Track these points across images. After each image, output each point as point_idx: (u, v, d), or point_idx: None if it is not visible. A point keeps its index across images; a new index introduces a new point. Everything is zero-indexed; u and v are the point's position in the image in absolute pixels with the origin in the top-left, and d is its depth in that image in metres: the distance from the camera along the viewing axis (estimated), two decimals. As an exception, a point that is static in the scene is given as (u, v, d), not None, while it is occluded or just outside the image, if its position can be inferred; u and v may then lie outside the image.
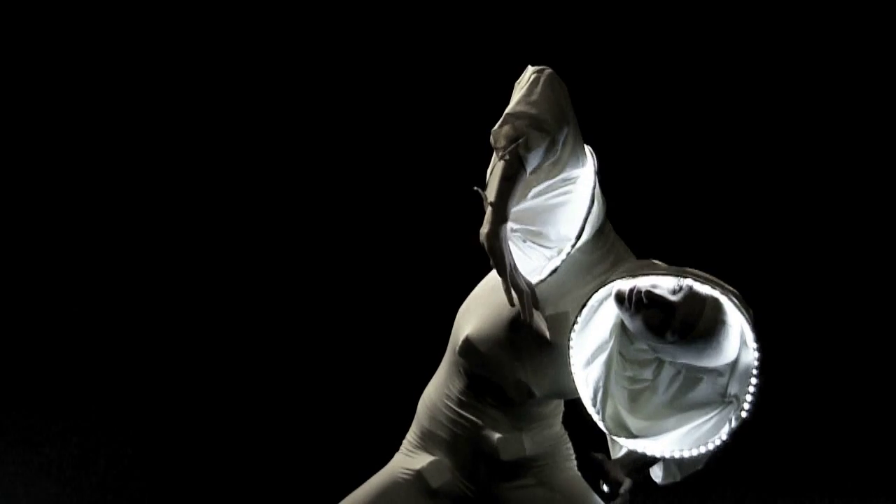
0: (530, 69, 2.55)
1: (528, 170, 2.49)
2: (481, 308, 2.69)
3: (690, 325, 2.47)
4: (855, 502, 4.92)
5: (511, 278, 2.47)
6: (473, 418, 2.71)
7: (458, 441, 2.72)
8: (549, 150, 2.50)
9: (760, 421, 5.25)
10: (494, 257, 2.46)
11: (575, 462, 2.77)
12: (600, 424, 2.56)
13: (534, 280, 2.57)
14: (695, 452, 2.56)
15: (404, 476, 2.75)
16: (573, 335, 2.55)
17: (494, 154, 2.52)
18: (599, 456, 2.58)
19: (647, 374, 2.59)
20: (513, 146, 2.47)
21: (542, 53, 2.72)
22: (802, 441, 5.22)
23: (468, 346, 2.67)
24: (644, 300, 2.47)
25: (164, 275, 5.38)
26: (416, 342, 2.92)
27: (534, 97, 2.51)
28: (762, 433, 5.28)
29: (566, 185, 2.57)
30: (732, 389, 2.57)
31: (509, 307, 2.57)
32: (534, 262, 2.59)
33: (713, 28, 5.28)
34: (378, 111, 5.37)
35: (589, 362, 2.56)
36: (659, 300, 2.48)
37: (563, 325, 2.59)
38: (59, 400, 5.22)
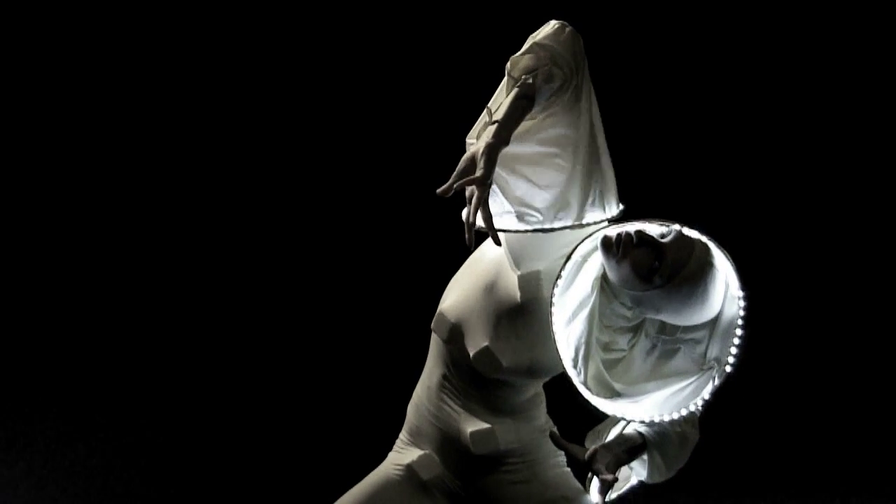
0: (553, 21, 2.53)
1: (537, 103, 2.47)
2: (456, 284, 2.69)
3: (680, 265, 2.46)
4: (855, 502, 4.91)
5: (485, 196, 2.38)
6: (452, 411, 2.70)
7: (441, 436, 2.73)
8: (556, 93, 2.48)
9: (760, 421, 5.26)
10: (486, 168, 2.37)
11: (564, 458, 2.74)
12: (582, 388, 2.51)
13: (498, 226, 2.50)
14: (676, 416, 2.53)
15: (396, 472, 2.76)
16: (556, 291, 2.51)
17: (506, 80, 2.49)
18: (594, 447, 2.55)
19: (623, 342, 2.57)
20: (531, 74, 2.44)
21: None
22: (802, 441, 5.22)
23: (441, 318, 2.67)
24: (634, 240, 2.44)
25: (164, 275, 5.38)
26: (412, 341, 2.91)
27: (561, 38, 2.49)
28: (762, 433, 5.28)
29: (552, 147, 2.52)
30: (712, 353, 2.55)
31: (483, 278, 2.59)
32: (493, 207, 2.48)
33: (713, 25, 5.28)
34: (375, 110, 5.37)
35: (570, 320, 2.52)
36: (649, 240, 2.45)
37: (533, 285, 2.57)
38: (58, 400, 5.22)
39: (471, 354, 2.62)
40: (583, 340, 2.51)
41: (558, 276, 2.51)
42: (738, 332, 2.54)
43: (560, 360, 2.50)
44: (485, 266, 2.65)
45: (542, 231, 2.52)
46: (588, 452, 2.50)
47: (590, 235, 2.53)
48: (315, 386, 5.27)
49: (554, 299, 2.51)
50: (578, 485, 2.72)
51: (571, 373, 2.51)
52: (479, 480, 2.72)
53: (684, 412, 2.54)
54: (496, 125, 2.41)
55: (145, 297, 5.35)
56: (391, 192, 5.36)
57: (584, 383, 2.52)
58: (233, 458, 5.06)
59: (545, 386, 2.77)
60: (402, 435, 2.82)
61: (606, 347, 2.56)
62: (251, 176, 5.35)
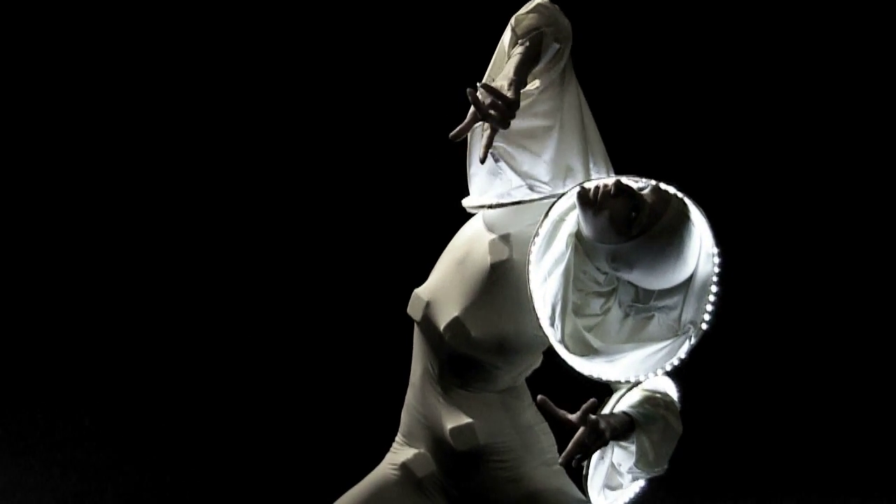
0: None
1: (541, 63, 2.49)
2: (434, 269, 2.73)
3: (657, 215, 2.46)
4: (855, 502, 4.91)
5: (493, 132, 2.42)
6: (436, 408, 2.70)
7: (430, 434, 2.73)
8: (554, 58, 2.51)
9: (760, 421, 5.26)
10: (515, 93, 2.40)
11: (555, 456, 2.72)
12: (559, 347, 2.50)
13: (493, 201, 2.58)
14: (652, 376, 2.54)
15: (393, 472, 2.77)
16: (533, 249, 2.50)
17: (508, 37, 2.52)
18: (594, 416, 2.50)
19: (596, 307, 2.56)
20: (538, 32, 2.47)
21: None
22: (802, 441, 5.22)
23: (414, 299, 2.70)
24: (612, 190, 2.45)
25: (164, 276, 5.38)
26: (410, 342, 2.91)
27: (554, 9, 2.53)
28: (762, 433, 5.28)
29: (547, 120, 2.56)
30: (687, 317, 2.55)
31: (456, 254, 2.62)
32: (505, 185, 2.58)
33: (709, 23, 5.28)
34: (373, 110, 5.37)
35: (546, 278, 2.52)
36: (626, 190, 2.46)
37: (502, 247, 2.59)
38: (59, 400, 5.22)
39: (440, 327, 2.63)
40: (559, 297, 2.51)
41: (535, 234, 2.52)
42: (713, 289, 2.52)
43: (537, 319, 2.49)
44: (459, 244, 2.68)
45: (557, 197, 2.54)
46: (578, 414, 2.46)
47: (565, 193, 2.54)
48: (314, 387, 5.27)
49: (531, 257, 2.51)
50: (571, 483, 2.71)
51: (549, 331, 2.50)
52: (467, 479, 2.72)
53: (660, 373, 2.54)
54: (513, 67, 2.44)
55: (145, 296, 5.35)
56: (391, 193, 5.36)
57: (562, 341, 2.51)
58: (232, 459, 5.06)
59: (535, 387, 2.77)
60: (398, 437, 2.82)
61: (579, 311, 2.55)
62: (251, 176, 5.35)
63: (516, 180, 2.57)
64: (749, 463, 5.19)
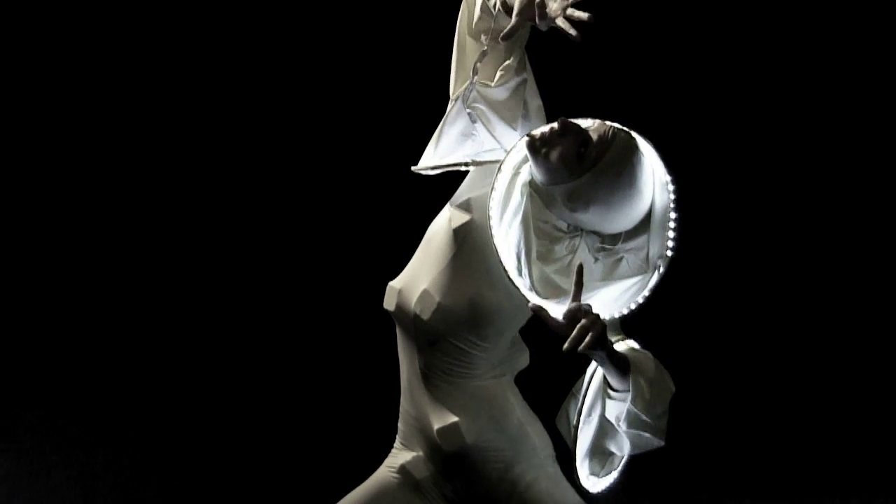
0: None
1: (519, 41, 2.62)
2: None
3: (605, 146, 2.49)
4: (855, 502, 4.91)
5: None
6: (423, 408, 2.71)
7: (424, 438, 2.74)
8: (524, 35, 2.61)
9: (760, 421, 5.25)
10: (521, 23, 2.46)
11: (551, 456, 2.74)
12: (530, 295, 2.52)
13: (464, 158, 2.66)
14: (625, 311, 2.56)
15: (392, 474, 2.77)
16: (492, 204, 2.55)
17: (475, 16, 2.61)
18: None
19: (561, 250, 2.59)
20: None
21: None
22: (802, 441, 5.21)
23: (388, 292, 2.74)
24: (559, 129, 2.50)
25: (164, 277, 5.38)
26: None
27: None
28: (762, 433, 5.28)
29: (515, 96, 2.64)
30: (654, 251, 2.57)
31: (425, 239, 2.68)
32: (476, 146, 2.66)
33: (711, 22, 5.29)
34: (367, 109, 5.38)
35: (507, 230, 2.56)
36: (573, 127, 2.51)
37: (464, 210, 2.64)
38: (59, 401, 5.22)
39: (412, 304, 2.65)
40: (521, 245, 2.54)
41: (492, 189, 2.56)
42: (672, 216, 2.55)
43: (504, 271, 2.53)
44: (428, 231, 2.75)
45: (508, 152, 2.63)
46: (569, 308, 2.46)
47: (514, 146, 2.60)
48: (313, 389, 5.27)
49: (491, 213, 2.55)
50: (568, 485, 2.71)
51: (518, 281, 2.53)
52: (460, 479, 2.72)
53: (633, 306, 2.56)
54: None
55: (144, 296, 5.35)
56: (393, 194, 5.36)
57: (532, 288, 2.53)
58: (232, 461, 5.06)
59: (533, 388, 2.77)
60: (396, 441, 2.83)
61: (546, 258, 2.57)
62: (251, 177, 5.35)
63: (488, 143, 2.64)
64: (749, 463, 5.19)
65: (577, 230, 2.59)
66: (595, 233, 2.59)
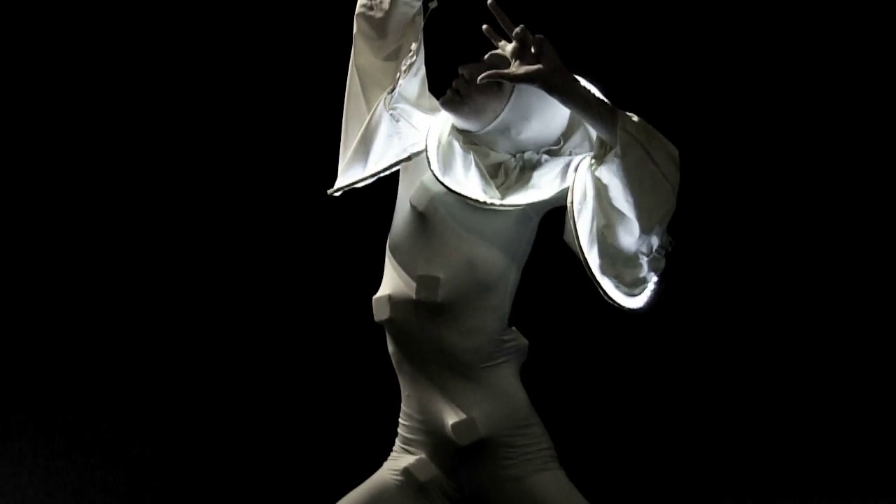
0: None
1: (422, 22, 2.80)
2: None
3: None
4: (855, 502, 4.91)
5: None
6: (434, 406, 2.71)
7: (431, 440, 2.74)
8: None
9: (760, 421, 5.25)
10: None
11: (553, 454, 2.76)
12: (506, 206, 2.64)
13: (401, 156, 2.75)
14: (583, 168, 2.60)
15: (393, 477, 2.78)
16: (435, 166, 2.68)
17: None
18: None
19: (515, 172, 2.70)
20: None
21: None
22: (802, 441, 5.21)
23: (378, 303, 2.79)
24: (466, 76, 2.65)
25: (167, 277, 5.38)
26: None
27: None
28: (762, 433, 5.28)
29: (423, 82, 2.77)
30: (594, 135, 2.62)
31: (390, 249, 2.76)
32: (403, 142, 2.76)
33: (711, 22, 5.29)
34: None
35: (466, 182, 2.68)
36: (476, 67, 2.64)
37: (422, 194, 2.72)
38: (58, 401, 5.22)
39: (412, 297, 2.69)
40: (480, 183, 2.66)
41: (427, 158, 2.69)
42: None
43: (477, 201, 2.63)
44: (391, 240, 2.84)
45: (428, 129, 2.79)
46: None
47: (433, 124, 2.75)
48: (313, 390, 5.27)
49: (436, 172, 2.67)
50: (571, 486, 2.72)
51: (491, 201, 2.64)
52: (470, 476, 2.73)
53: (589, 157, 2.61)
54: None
55: (144, 296, 5.36)
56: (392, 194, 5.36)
57: (503, 201, 2.63)
58: (232, 463, 5.06)
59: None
60: (396, 446, 2.84)
61: (507, 188, 2.69)
62: (252, 177, 5.35)
63: (412, 135, 2.75)
64: (749, 463, 5.19)
65: (521, 151, 2.71)
66: (540, 151, 2.72)
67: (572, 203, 2.53)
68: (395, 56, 2.77)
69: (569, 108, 2.52)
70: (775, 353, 5.35)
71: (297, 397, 5.25)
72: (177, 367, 5.27)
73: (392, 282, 2.75)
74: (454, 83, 2.64)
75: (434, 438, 2.73)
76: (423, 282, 2.67)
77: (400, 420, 2.82)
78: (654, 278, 2.66)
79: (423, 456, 2.76)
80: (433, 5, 2.73)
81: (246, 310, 5.33)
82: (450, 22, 2.77)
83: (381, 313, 2.77)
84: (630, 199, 2.48)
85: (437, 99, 2.72)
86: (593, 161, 2.54)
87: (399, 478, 2.77)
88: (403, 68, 2.71)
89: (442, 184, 2.66)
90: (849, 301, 5.35)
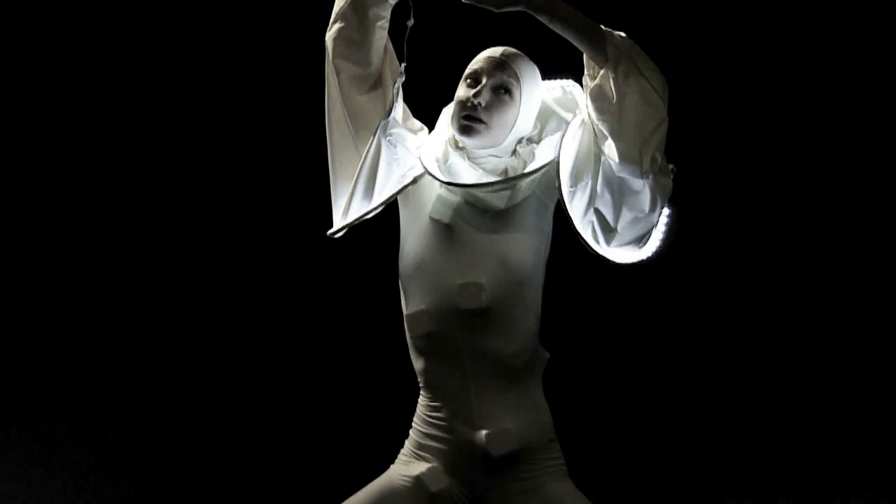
0: None
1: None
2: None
3: (517, 71, 2.69)
4: (855, 502, 4.91)
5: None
6: (466, 413, 2.72)
7: (450, 447, 2.73)
8: None
9: (760, 421, 5.25)
10: None
11: (566, 472, 2.76)
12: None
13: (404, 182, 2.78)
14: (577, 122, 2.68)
15: (403, 482, 2.76)
16: (437, 174, 2.74)
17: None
18: None
19: (503, 162, 2.78)
20: None
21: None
22: (802, 441, 5.22)
23: (418, 319, 2.76)
24: (478, 95, 2.69)
25: (169, 278, 5.38)
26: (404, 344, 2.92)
27: None
28: (762, 433, 5.28)
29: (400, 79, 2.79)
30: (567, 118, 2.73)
31: (418, 262, 2.75)
32: (402, 167, 2.78)
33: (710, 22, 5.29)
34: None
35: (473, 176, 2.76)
36: (486, 85, 2.70)
37: (443, 209, 2.75)
38: (59, 400, 5.22)
39: (457, 306, 2.68)
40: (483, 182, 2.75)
41: (437, 179, 2.73)
42: (556, 84, 2.77)
43: (491, 189, 2.69)
44: (411, 258, 2.81)
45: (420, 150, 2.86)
46: None
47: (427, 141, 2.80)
48: (315, 391, 5.27)
49: (453, 181, 2.72)
50: (581, 494, 2.73)
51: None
52: (484, 487, 2.73)
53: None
54: None
55: (145, 297, 5.35)
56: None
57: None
58: (232, 463, 5.06)
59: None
60: (407, 450, 2.82)
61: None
62: (253, 177, 5.35)
63: (410, 159, 2.78)
64: (749, 463, 5.19)
65: (514, 150, 2.77)
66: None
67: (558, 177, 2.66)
68: (379, 84, 2.79)
69: (555, 28, 2.57)
70: (775, 354, 5.36)
71: (297, 398, 5.25)
72: (178, 368, 5.27)
73: (425, 296, 2.73)
74: (467, 112, 2.68)
75: (456, 446, 2.73)
76: (465, 289, 2.68)
77: (416, 425, 2.80)
78: (665, 214, 2.68)
79: (436, 465, 2.75)
80: (410, 23, 2.73)
81: (246, 310, 5.33)
82: (420, 40, 2.78)
83: (419, 328, 2.74)
84: (625, 114, 2.56)
85: (415, 117, 2.82)
86: (586, 81, 2.63)
87: (409, 485, 2.76)
88: (395, 91, 2.74)
89: (455, 184, 2.70)
90: (848, 301, 5.36)
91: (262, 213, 5.35)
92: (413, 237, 2.78)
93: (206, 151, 5.33)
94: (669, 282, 5.29)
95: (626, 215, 2.61)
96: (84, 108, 5.29)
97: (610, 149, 2.56)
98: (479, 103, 2.67)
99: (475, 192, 2.69)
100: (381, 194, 2.78)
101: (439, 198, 2.74)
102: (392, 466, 2.81)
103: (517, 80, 2.69)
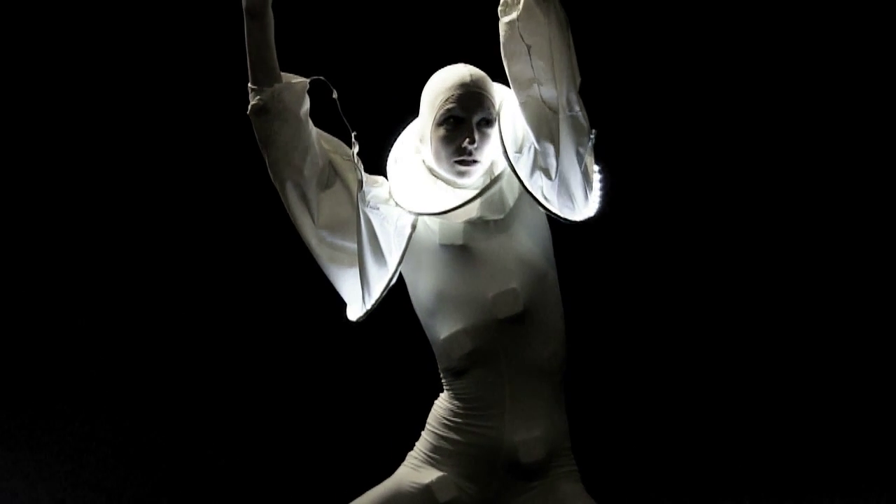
0: None
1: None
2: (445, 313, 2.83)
3: (492, 105, 2.74)
4: (855, 502, 4.92)
5: None
6: (497, 421, 2.72)
7: (472, 450, 2.73)
8: None
9: (759, 421, 5.26)
10: None
11: (578, 478, 2.80)
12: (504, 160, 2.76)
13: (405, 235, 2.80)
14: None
15: (411, 489, 2.76)
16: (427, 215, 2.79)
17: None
18: None
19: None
20: None
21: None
22: (801, 441, 5.22)
23: (456, 338, 2.77)
24: (470, 137, 2.73)
25: (170, 278, 5.39)
26: (423, 348, 2.92)
27: None
28: (763, 433, 5.28)
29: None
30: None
31: (445, 287, 2.75)
32: (394, 221, 2.81)
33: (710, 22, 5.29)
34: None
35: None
36: (469, 127, 2.74)
37: (454, 233, 2.78)
38: (59, 401, 5.22)
39: (497, 316, 2.72)
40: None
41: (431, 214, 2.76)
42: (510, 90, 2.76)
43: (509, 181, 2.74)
44: (437, 288, 2.83)
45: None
46: None
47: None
48: (321, 391, 5.27)
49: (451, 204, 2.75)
50: (592, 500, 2.75)
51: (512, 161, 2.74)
52: (498, 490, 2.74)
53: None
54: None
55: (145, 297, 5.36)
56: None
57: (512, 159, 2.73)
58: (238, 466, 5.06)
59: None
60: (418, 452, 2.82)
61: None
62: (253, 177, 5.35)
63: (394, 212, 2.80)
64: (749, 463, 5.20)
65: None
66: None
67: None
68: (333, 171, 2.83)
69: None
70: (775, 354, 5.36)
71: (299, 399, 5.26)
72: (179, 370, 5.28)
73: (459, 318, 2.75)
74: (463, 157, 2.72)
75: (479, 451, 2.74)
76: (500, 298, 2.72)
77: (432, 427, 2.79)
78: (596, 169, 2.79)
79: (447, 473, 2.75)
80: (335, 95, 2.75)
81: (246, 310, 5.34)
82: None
83: (459, 349, 2.76)
84: (554, 39, 2.64)
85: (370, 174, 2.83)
86: (501, 12, 2.67)
87: (417, 491, 2.76)
88: (356, 160, 2.75)
89: (453, 208, 2.73)
90: (848, 301, 5.37)
91: (267, 211, 5.35)
92: (426, 273, 2.79)
93: (207, 152, 5.33)
94: (669, 282, 5.30)
95: (562, 160, 2.68)
96: (83, 110, 5.29)
97: (541, 71, 2.65)
98: (469, 149, 2.72)
99: (474, 204, 2.72)
100: (393, 256, 2.80)
101: (442, 226, 2.77)
102: (401, 469, 2.81)
103: (493, 105, 2.75)
